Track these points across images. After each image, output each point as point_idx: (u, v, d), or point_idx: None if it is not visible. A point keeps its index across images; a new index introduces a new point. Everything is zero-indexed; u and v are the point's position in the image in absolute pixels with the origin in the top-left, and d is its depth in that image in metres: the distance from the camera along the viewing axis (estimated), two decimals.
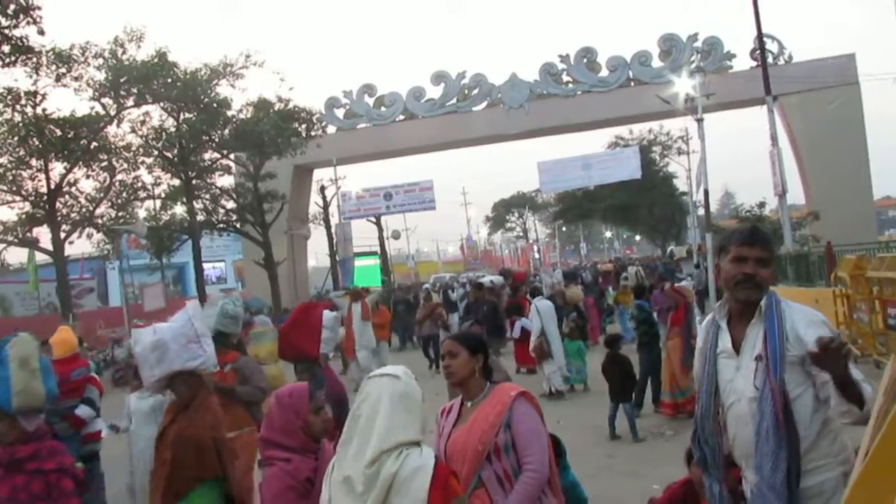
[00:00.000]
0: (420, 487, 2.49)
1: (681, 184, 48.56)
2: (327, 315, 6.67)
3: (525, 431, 3.15)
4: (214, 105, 29.40)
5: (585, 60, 39.02)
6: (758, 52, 26.86)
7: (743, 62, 36.30)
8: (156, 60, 27.20)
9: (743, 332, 3.01)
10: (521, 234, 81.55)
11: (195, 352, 5.12)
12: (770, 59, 29.82)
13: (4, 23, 19.68)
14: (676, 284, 11.62)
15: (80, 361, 6.83)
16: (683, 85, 28.88)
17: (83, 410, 6.25)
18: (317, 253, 48.22)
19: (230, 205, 32.92)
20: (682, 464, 4.75)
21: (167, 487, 4.74)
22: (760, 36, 25.16)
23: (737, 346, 3.01)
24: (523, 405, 3.22)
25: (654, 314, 11.47)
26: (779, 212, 24.76)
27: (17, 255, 30.02)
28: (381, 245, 46.48)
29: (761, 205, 34.05)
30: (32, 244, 28.34)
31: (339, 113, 41.26)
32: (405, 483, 2.49)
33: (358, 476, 2.54)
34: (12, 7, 19.44)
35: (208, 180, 31.73)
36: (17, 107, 25.94)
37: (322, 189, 41.36)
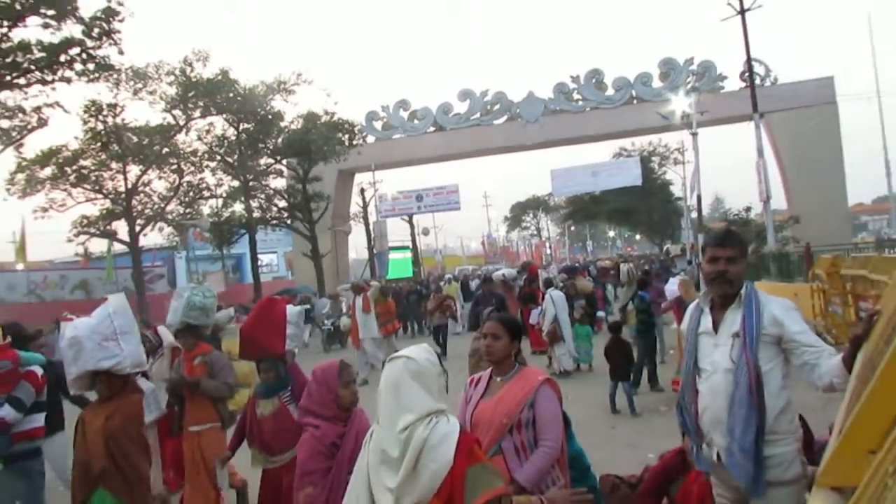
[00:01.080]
0: (447, 451, 2.46)
1: (676, 190, 48.24)
2: (291, 310, 5.62)
3: (546, 413, 3.16)
4: (269, 117, 29.56)
5: (594, 80, 38.90)
6: (747, 74, 26.54)
7: (733, 83, 36.03)
8: (219, 78, 27.36)
9: (722, 315, 3.14)
10: (536, 232, 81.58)
11: (110, 351, 4.40)
12: (757, 81, 29.48)
13: (90, 44, 19.86)
14: (680, 278, 11.52)
15: (6, 354, 5.17)
16: (680, 103, 28.69)
17: (5, 411, 4.88)
18: (356, 246, 48.42)
19: (282, 204, 33.05)
20: (674, 436, 4.69)
21: (84, 475, 4.30)
22: (749, 60, 24.91)
23: (716, 327, 3.14)
24: (547, 390, 3.22)
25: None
26: (763, 216, 24.53)
27: (98, 245, 30.40)
28: (413, 240, 46.59)
29: (748, 209, 33.85)
30: (112, 236, 28.68)
31: (378, 125, 41.33)
32: (434, 447, 2.46)
33: (392, 442, 2.52)
34: (96, 30, 19.62)
35: (263, 182, 31.87)
36: (100, 117, 26.26)
37: (362, 191, 41.56)
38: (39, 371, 5.21)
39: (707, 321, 3.19)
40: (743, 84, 32.34)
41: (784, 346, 2.97)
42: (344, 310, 18.49)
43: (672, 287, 10.76)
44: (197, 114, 28.11)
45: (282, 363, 5.03)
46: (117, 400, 4.45)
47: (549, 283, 14.26)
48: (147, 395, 5.20)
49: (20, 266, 32.46)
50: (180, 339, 5.99)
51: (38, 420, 5.28)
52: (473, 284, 23.76)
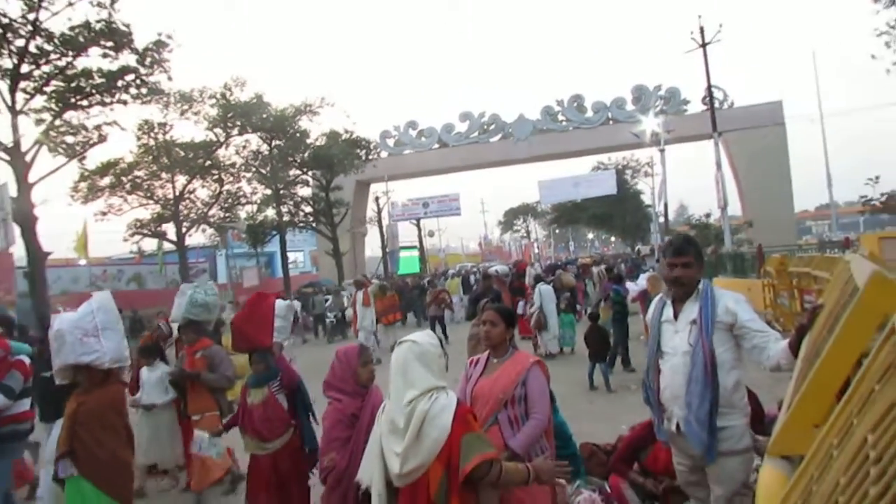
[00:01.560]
0: (446, 421, 2.50)
1: (646, 198, 48.13)
2: (280, 304, 5.30)
3: (536, 390, 3.17)
4: (297, 135, 29.55)
5: (575, 104, 38.97)
6: (707, 99, 26.50)
7: (696, 106, 36.02)
8: (255, 101, 27.35)
9: (682, 307, 3.18)
10: (525, 234, 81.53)
11: (90, 346, 4.02)
12: (717, 104, 29.42)
13: (143, 71, 19.84)
14: (649, 274, 11.50)
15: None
16: (650, 124, 28.71)
17: None
18: (372, 246, 48.32)
19: (308, 209, 33.04)
20: (644, 410, 4.67)
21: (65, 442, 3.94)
22: (709, 87, 24.87)
23: (676, 317, 3.19)
24: (537, 370, 3.24)
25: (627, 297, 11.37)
26: (721, 221, 24.49)
27: (150, 244, 30.46)
28: (420, 241, 46.54)
29: (707, 215, 33.79)
30: (161, 236, 28.72)
31: (390, 142, 41.34)
32: (434, 417, 2.50)
33: (399, 414, 2.57)
34: (149, 59, 19.61)
35: (292, 191, 31.85)
36: (152, 134, 26.33)
37: (376, 199, 41.51)
38: (27, 360, 4.95)
39: (669, 311, 3.23)
40: (704, 107, 32.30)
41: (736, 332, 3.00)
42: (345, 303, 18.25)
43: (641, 282, 10.75)
44: (235, 132, 28.09)
45: (271, 355, 4.71)
46: (97, 391, 4.09)
47: (539, 279, 14.21)
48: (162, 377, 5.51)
49: (83, 261, 32.50)
50: (183, 333, 5.73)
51: (25, 405, 5.02)
52: (472, 279, 23.63)
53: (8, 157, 17.21)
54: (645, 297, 11.65)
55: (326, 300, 21.71)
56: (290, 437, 4.47)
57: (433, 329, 15.48)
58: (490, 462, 2.50)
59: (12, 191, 16.72)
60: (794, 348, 2.61)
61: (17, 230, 16.55)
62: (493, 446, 2.61)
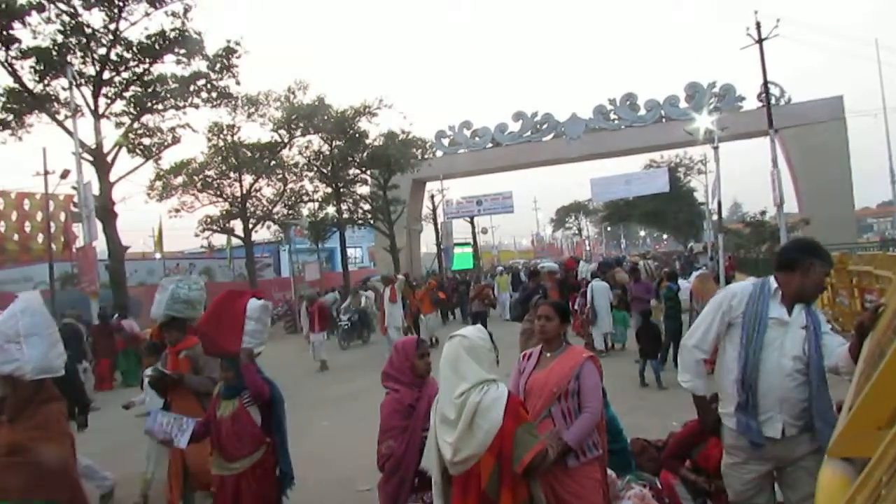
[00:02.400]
0: (497, 412, 2.51)
1: (699, 196, 46.99)
2: (254, 304, 4.26)
3: (589, 384, 3.13)
4: (357, 135, 29.79)
5: (628, 103, 38.24)
6: (763, 95, 25.57)
7: (751, 102, 34.90)
8: (316, 103, 27.71)
9: (790, 307, 2.97)
10: (577, 232, 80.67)
11: (10, 354, 3.43)
12: (773, 101, 28.37)
13: (213, 76, 20.36)
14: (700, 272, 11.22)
15: None
16: (703, 121, 27.83)
17: None
18: (427, 242, 48.51)
19: (366, 207, 33.37)
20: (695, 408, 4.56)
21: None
22: (766, 83, 23.97)
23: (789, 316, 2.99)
24: (591, 365, 3.19)
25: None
26: (777, 218, 23.62)
27: (219, 240, 31.29)
28: (474, 238, 46.48)
29: (763, 213, 32.69)
30: (230, 232, 29.44)
31: (445, 141, 41.45)
32: (486, 410, 2.52)
33: (450, 406, 2.59)
34: (218, 65, 20.11)
35: (351, 189, 32.23)
36: (221, 135, 26.95)
37: (432, 197, 41.66)
38: None
39: (779, 310, 2.97)
40: (760, 104, 31.23)
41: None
42: (363, 303, 17.17)
43: (693, 280, 10.50)
44: (298, 133, 28.50)
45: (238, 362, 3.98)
46: (29, 410, 3.47)
47: (594, 276, 13.92)
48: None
49: (158, 255, 33.74)
50: (165, 332, 4.99)
51: None
52: (523, 275, 23.19)
53: (91, 158, 17.94)
54: (690, 298, 11.38)
55: (335, 300, 19.96)
56: (262, 457, 3.88)
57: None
58: (544, 452, 2.51)
59: (95, 189, 17.44)
60: (855, 352, 2.49)
61: (99, 226, 17.24)
62: (539, 435, 2.63)
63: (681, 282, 11.28)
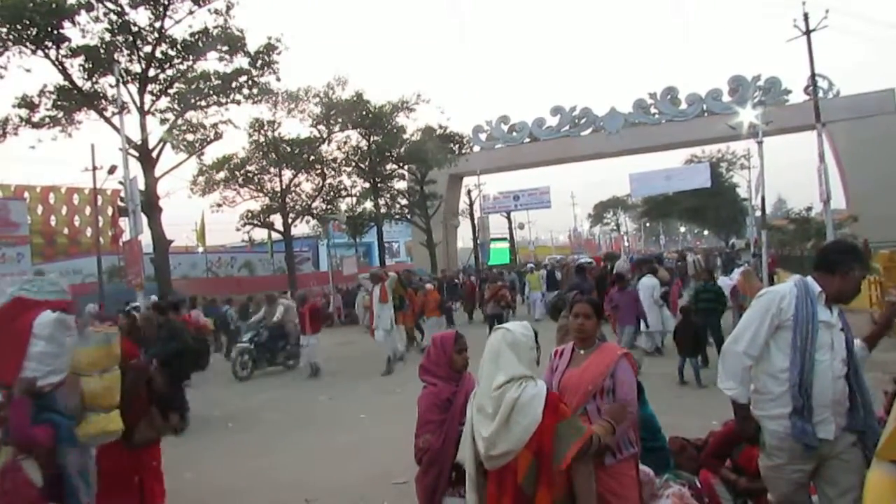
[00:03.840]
0: (536, 409, 2.51)
1: (742, 191, 46.01)
2: (44, 320, 3.25)
3: (624, 382, 3.09)
4: (394, 131, 29.93)
5: (669, 97, 37.56)
6: (811, 88, 24.81)
7: (797, 96, 33.94)
8: (355, 99, 27.90)
9: (831, 309, 2.98)
10: (615, 227, 79.79)
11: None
12: (821, 94, 27.51)
13: (254, 73, 20.63)
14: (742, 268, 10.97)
15: None
16: (747, 115, 27.14)
17: None
18: (463, 237, 48.53)
19: (403, 202, 33.54)
20: None
21: None
22: (813, 76, 23.26)
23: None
24: (625, 363, 3.15)
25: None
26: (823, 215, 22.94)
27: (260, 234, 31.79)
28: (510, 233, 46.33)
29: (808, 209, 31.82)
30: (270, 226, 29.92)
31: (482, 136, 41.36)
32: (525, 406, 2.51)
33: (487, 402, 2.60)
34: (259, 62, 20.36)
35: (389, 184, 32.42)
36: (262, 131, 27.37)
37: (468, 192, 41.53)
38: None
39: (827, 313, 2.96)
40: (807, 97, 30.37)
41: None
42: (277, 316, 12.76)
43: (735, 276, 10.28)
44: (337, 128, 28.78)
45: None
46: None
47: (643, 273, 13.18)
48: None
49: (200, 249, 34.50)
50: None
51: None
52: (559, 274, 21.07)
53: (137, 154, 18.41)
54: (736, 293, 11.13)
55: (227, 308, 16.91)
56: None
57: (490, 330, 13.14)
58: (590, 440, 2.51)
59: (140, 184, 17.88)
60: (871, 341, 2.64)
61: (144, 220, 17.68)
62: (584, 426, 2.61)
63: (722, 279, 11.05)
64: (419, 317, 14.43)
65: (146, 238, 18.48)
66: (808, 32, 21.55)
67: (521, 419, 2.51)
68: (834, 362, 2.87)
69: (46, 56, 17.32)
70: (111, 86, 17.90)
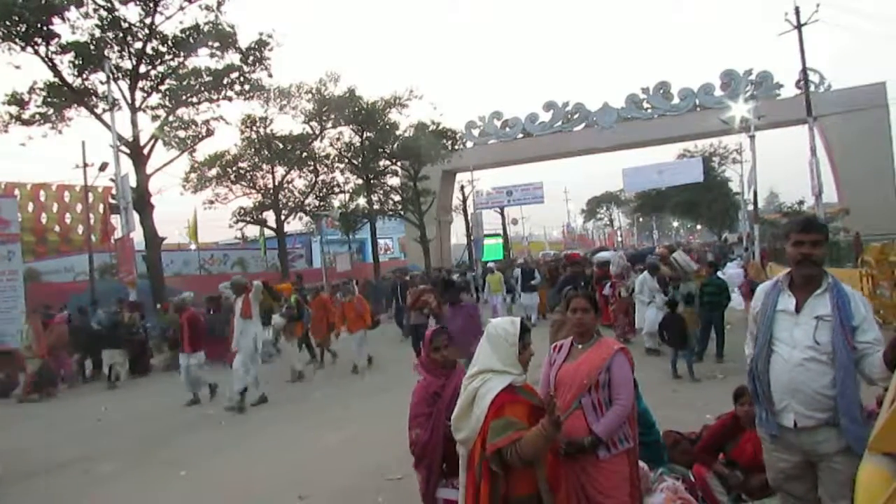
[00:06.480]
0: (486, 402, 2.65)
1: (734, 186, 46.14)
2: None
3: (620, 376, 3.13)
4: (387, 127, 29.85)
5: (662, 91, 37.52)
6: (802, 82, 24.88)
7: (789, 90, 33.91)
8: (347, 95, 27.81)
9: (805, 297, 2.91)
10: (608, 222, 79.98)
11: None
12: (812, 88, 27.59)
13: (246, 69, 20.52)
14: (737, 262, 10.97)
15: None
16: (739, 109, 27.23)
17: None
18: (457, 233, 48.45)
19: (397, 198, 33.49)
20: (730, 401, 4.50)
21: None
22: (805, 70, 23.34)
23: (798, 309, 2.90)
24: (622, 357, 3.18)
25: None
26: (815, 208, 23.06)
27: (252, 231, 31.73)
28: (504, 229, 46.40)
29: (800, 202, 31.93)
30: (262, 223, 29.85)
31: (475, 132, 41.25)
32: (481, 398, 2.67)
33: (462, 386, 2.84)
34: (251, 58, 20.26)
35: (382, 180, 32.37)
36: (254, 128, 27.29)
37: (462, 187, 41.61)
38: None
39: (788, 301, 2.95)
40: (798, 91, 30.46)
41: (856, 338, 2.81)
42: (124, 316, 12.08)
43: (730, 271, 10.30)
44: (329, 125, 28.72)
45: None
46: None
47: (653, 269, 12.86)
48: None
49: (193, 246, 34.38)
50: None
51: None
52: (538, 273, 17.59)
53: (128, 151, 18.30)
54: (750, 285, 11.10)
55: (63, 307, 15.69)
56: None
57: (415, 346, 10.92)
58: (510, 445, 2.55)
59: (132, 181, 17.78)
60: (889, 360, 2.50)
61: (136, 217, 17.58)
62: (512, 431, 2.59)
63: (729, 272, 11.01)
64: (329, 331, 12.43)
65: (138, 235, 18.44)
66: (799, 26, 21.64)
67: (476, 409, 2.66)
68: (792, 352, 2.85)
69: (36, 52, 17.16)
70: (102, 82, 17.78)
